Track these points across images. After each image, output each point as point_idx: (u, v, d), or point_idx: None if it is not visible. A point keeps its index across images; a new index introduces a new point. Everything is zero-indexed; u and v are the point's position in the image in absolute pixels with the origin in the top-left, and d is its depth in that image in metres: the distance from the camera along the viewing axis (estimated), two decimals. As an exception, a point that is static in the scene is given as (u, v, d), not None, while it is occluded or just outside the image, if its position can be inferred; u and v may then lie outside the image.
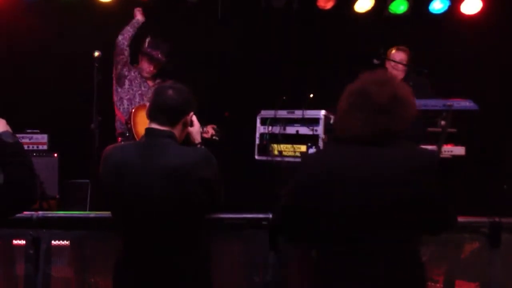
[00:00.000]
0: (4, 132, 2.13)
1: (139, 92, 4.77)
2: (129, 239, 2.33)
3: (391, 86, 2.12)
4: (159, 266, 2.27)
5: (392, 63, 4.62)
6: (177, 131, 2.37)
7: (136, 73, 4.77)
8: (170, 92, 2.36)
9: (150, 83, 4.83)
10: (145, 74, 4.78)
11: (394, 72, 4.54)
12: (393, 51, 4.71)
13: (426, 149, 2.30)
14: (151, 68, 4.76)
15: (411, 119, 2.13)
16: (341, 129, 2.15)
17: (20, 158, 2.08)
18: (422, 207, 2.08)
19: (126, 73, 4.71)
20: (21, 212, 2.17)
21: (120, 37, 4.66)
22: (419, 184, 2.06)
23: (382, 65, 4.45)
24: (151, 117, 2.37)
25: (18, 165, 2.05)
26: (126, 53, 4.68)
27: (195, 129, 2.53)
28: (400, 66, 4.61)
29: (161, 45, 4.75)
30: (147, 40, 4.78)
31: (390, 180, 2.05)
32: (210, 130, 4.78)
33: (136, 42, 4.76)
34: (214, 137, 4.74)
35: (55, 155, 5.33)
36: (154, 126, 2.35)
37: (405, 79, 4.46)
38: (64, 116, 5.50)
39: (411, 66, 4.09)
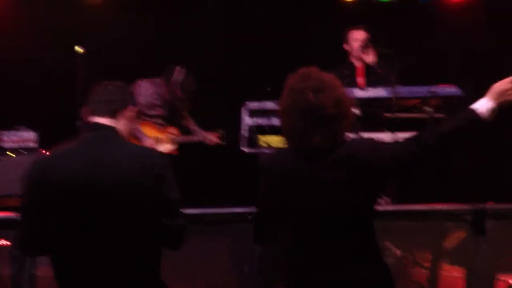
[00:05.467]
0: None
1: None
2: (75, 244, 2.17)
3: (330, 89, 2.12)
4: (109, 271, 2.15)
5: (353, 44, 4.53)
6: (119, 125, 2.27)
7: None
8: (108, 85, 2.32)
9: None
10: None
11: (364, 56, 4.45)
12: (353, 31, 4.57)
13: (363, 137, 2.32)
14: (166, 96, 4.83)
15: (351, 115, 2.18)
16: (300, 145, 2.16)
17: None
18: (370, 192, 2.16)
19: None
20: None
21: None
22: (369, 170, 2.10)
23: (364, 52, 4.44)
24: (92, 111, 2.27)
25: None
26: None
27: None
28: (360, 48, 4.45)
29: (186, 82, 4.77)
30: (179, 73, 4.81)
31: (338, 181, 2.10)
32: (213, 138, 4.81)
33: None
34: (222, 143, 4.78)
35: (45, 152, 5.31)
36: (96, 119, 2.25)
37: (376, 65, 4.42)
38: (52, 113, 5.48)
39: (398, 53, 4.07)
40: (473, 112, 2.10)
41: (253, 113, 4.21)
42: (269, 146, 4.12)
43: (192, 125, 5.02)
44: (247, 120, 4.25)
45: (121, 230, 2.13)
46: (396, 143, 2.25)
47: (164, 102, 4.83)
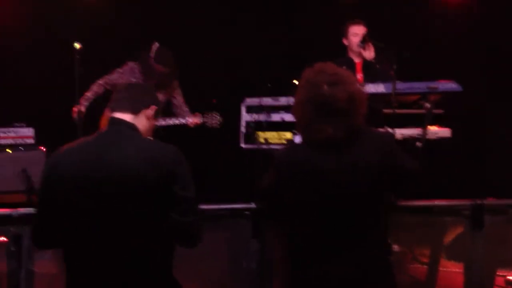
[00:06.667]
0: None
1: None
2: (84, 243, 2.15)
3: (344, 84, 2.17)
4: (121, 268, 2.13)
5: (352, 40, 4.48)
6: (139, 121, 2.27)
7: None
8: (132, 86, 2.40)
9: None
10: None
11: (365, 52, 4.39)
12: (352, 26, 4.50)
13: (381, 131, 2.38)
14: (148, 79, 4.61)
15: (364, 110, 2.23)
16: (313, 136, 2.20)
17: None
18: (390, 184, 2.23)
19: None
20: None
21: None
22: (388, 166, 2.18)
23: (363, 48, 4.40)
24: (113, 108, 2.29)
25: None
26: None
27: None
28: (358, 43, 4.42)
29: (166, 57, 4.53)
30: (154, 48, 4.57)
31: (360, 172, 2.15)
32: (194, 119, 4.71)
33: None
34: (213, 125, 4.68)
35: (42, 148, 5.30)
36: (116, 114, 2.26)
37: (375, 61, 4.39)
38: (49, 109, 5.47)
39: (393, 48, 4.04)
40: None
41: (251, 109, 4.21)
42: (267, 142, 4.12)
43: (178, 106, 4.83)
44: (246, 116, 4.25)
45: (127, 226, 2.11)
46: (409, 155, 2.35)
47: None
